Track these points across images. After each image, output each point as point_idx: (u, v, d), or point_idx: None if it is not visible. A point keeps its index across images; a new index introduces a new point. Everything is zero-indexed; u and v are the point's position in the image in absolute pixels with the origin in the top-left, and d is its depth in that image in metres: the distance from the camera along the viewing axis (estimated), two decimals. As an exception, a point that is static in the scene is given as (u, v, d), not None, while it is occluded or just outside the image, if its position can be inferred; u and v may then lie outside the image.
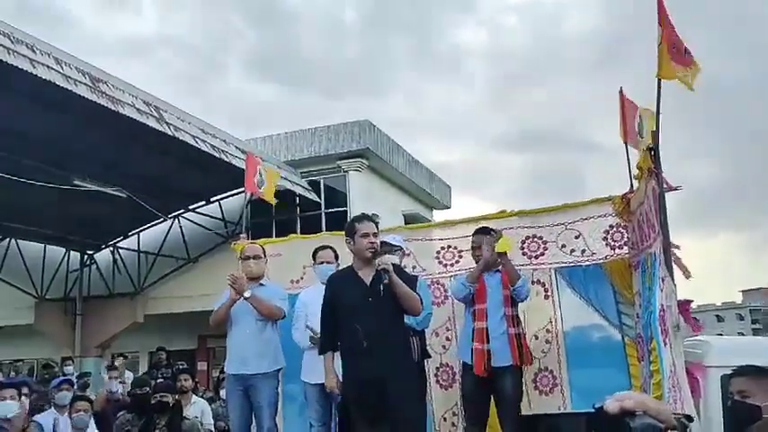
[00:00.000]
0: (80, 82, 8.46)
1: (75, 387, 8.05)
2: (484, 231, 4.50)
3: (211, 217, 14.00)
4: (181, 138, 10.07)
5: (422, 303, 3.85)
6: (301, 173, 14.03)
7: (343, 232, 3.97)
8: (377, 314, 3.66)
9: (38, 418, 5.31)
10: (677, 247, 3.46)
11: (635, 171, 4.01)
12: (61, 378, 6.40)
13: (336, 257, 4.73)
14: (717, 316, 55.52)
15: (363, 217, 3.92)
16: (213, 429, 5.85)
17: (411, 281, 3.88)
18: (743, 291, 67.20)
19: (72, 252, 15.10)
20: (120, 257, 14.98)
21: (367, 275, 3.75)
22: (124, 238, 14.99)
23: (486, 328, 4.28)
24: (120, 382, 6.41)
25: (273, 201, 5.83)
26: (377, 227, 3.89)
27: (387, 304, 3.68)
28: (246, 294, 4.39)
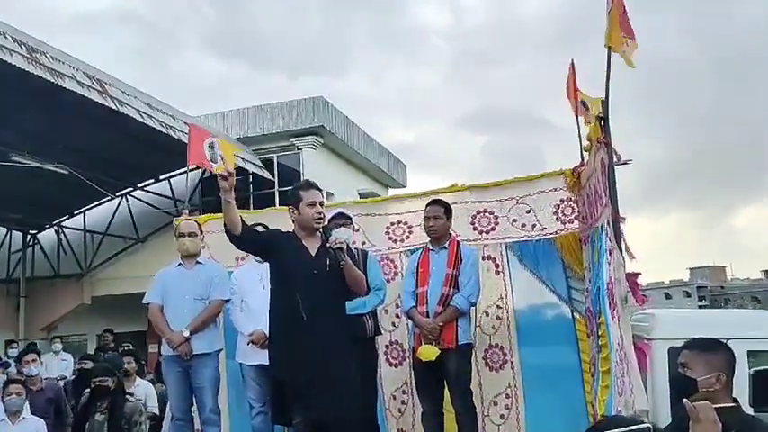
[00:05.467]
0: (16, 52, 8.00)
1: (15, 370, 7.75)
2: (438, 203, 4.38)
3: (160, 195, 13.56)
4: (126, 112, 9.65)
5: (372, 282, 3.70)
6: (254, 150, 13.72)
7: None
8: (321, 288, 3.44)
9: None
10: (623, 219, 3.42)
11: (585, 143, 3.96)
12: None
13: None
14: (665, 293, 56.90)
15: (308, 184, 3.63)
16: (157, 412, 5.68)
17: (360, 256, 3.75)
18: (690, 268, 69.09)
19: (14, 232, 14.49)
20: (66, 237, 14.45)
21: (312, 246, 3.52)
22: (69, 218, 14.43)
23: (426, 312, 4.18)
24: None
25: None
26: (323, 195, 3.66)
27: (332, 280, 3.47)
28: (186, 334, 4.28)
